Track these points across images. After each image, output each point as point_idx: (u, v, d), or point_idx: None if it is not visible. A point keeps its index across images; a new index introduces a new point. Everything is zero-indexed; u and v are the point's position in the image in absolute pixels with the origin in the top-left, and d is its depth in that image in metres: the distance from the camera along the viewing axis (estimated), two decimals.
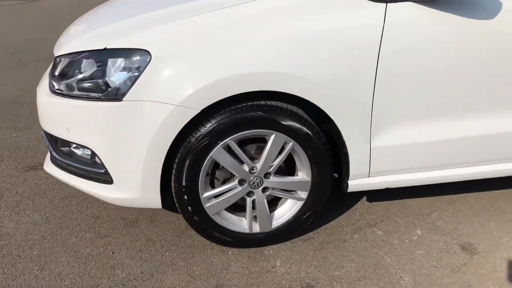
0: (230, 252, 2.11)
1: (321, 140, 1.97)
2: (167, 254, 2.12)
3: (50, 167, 2.22)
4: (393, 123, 2.00)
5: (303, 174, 2.04)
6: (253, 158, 1.98)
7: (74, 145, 2.06)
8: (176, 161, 1.90)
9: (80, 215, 2.39)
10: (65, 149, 2.12)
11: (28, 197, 2.56)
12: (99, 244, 2.18)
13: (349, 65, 1.85)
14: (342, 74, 1.86)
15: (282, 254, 2.10)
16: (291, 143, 1.93)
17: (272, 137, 1.91)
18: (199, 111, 1.80)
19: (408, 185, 2.16)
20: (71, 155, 2.10)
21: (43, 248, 2.16)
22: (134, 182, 1.91)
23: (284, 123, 1.89)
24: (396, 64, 1.88)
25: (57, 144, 2.13)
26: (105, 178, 1.97)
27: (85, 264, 2.06)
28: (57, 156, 2.15)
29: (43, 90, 2.09)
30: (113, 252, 2.12)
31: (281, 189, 2.05)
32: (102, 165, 1.94)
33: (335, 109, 1.91)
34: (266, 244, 2.14)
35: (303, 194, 2.07)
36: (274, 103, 1.89)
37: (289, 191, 2.08)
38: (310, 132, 1.93)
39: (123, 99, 1.82)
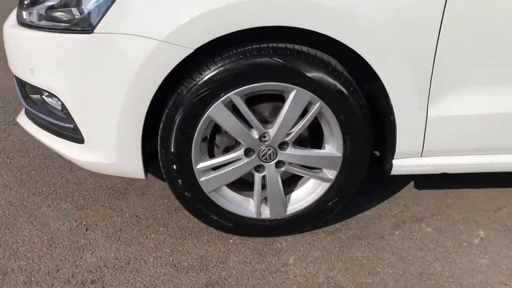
0: (231, 241, 1.65)
1: (360, 102, 1.45)
2: (152, 236, 1.68)
3: (22, 120, 1.81)
4: (461, 85, 1.45)
5: (332, 147, 1.53)
6: (265, 122, 1.50)
7: (46, 93, 1.64)
8: (162, 119, 1.44)
9: (60, 180, 1.99)
10: (36, 97, 1.70)
11: (7, 154, 2.18)
12: (73, 218, 1.76)
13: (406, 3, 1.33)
14: (395, 15, 1.33)
15: (297, 249, 1.62)
16: (318, 103, 1.42)
17: (293, 93, 1.41)
18: (192, 50, 1.32)
19: (475, 171, 1.62)
20: (43, 106, 1.68)
21: (6, 217, 1.77)
22: (108, 143, 1.47)
23: (310, 75, 1.38)
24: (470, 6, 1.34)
25: (26, 91, 1.72)
26: (76, 135, 1.53)
27: (50, 241, 1.65)
28: (27, 106, 1.73)
29: (9, 22, 1.66)
30: (87, 229, 1.70)
31: (301, 166, 1.55)
32: (71, 119, 1.51)
33: (383, 59, 1.38)
34: (277, 235, 1.67)
35: (331, 174, 1.56)
36: (297, 47, 1.39)
37: (312, 169, 1.57)
38: (345, 90, 1.42)
39: (94, 31, 1.36)
